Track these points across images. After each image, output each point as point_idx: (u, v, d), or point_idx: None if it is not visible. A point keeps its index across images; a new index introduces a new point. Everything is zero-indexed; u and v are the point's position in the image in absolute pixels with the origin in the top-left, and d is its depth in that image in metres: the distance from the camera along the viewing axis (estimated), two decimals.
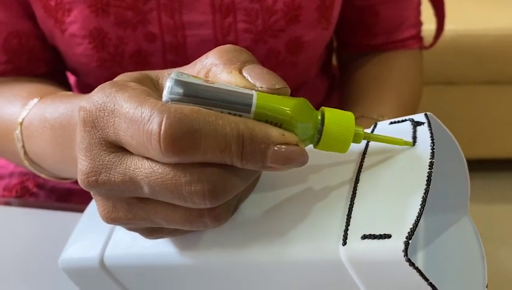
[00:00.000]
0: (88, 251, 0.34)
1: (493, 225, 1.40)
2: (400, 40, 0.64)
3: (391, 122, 0.31)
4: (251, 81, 0.26)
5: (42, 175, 0.48)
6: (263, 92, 0.26)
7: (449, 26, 0.78)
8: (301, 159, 0.26)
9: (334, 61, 0.73)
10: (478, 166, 1.52)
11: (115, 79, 0.29)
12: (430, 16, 0.68)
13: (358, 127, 0.28)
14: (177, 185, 0.25)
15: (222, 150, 0.25)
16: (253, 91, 0.26)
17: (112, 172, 0.26)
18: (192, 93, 0.25)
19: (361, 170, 0.29)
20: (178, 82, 0.25)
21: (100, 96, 0.27)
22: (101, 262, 0.33)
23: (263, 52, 0.55)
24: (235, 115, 0.25)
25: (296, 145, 0.26)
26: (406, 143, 0.28)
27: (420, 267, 0.27)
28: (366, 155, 0.29)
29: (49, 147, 0.42)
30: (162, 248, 0.31)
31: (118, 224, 0.28)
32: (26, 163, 0.46)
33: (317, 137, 0.27)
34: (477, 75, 1.40)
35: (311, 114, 0.27)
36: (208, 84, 0.25)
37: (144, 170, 0.26)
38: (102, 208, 0.28)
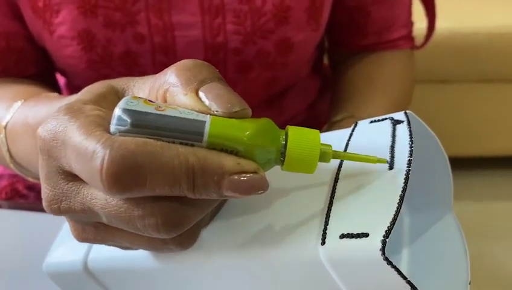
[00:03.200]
0: (72, 254, 0.34)
1: (488, 223, 1.41)
2: (391, 40, 0.63)
3: (371, 121, 0.31)
4: (207, 104, 0.25)
5: (29, 178, 0.48)
6: (219, 116, 0.25)
7: (443, 24, 0.78)
8: (260, 186, 0.24)
9: (326, 60, 0.73)
10: (472, 164, 1.53)
11: (75, 98, 0.28)
12: (422, 14, 0.68)
13: (326, 146, 0.26)
14: (131, 218, 0.24)
15: (171, 185, 0.23)
16: (208, 117, 0.24)
17: (71, 201, 0.26)
18: (141, 123, 0.24)
19: (340, 171, 0.29)
20: (125, 111, 0.24)
21: (54, 124, 0.26)
22: (85, 266, 0.33)
23: (253, 53, 0.54)
24: (187, 144, 0.24)
25: (255, 172, 0.24)
26: (379, 161, 0.27)
27: (404, 265, 0.27)
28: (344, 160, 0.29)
29: (33, 151, 0.42)
30: (146, 251, 0.31)
31: (90, 243, 0.29)
32: (12, 166, 0.46)
33: (281, 159, 0.26)
34: (471, 73, 1.40)
35: (273, 136, 0.25)
36: (157, 113, 0.24)
37: (99, 201, 0.25)
38: (73, 229, 0.28)
